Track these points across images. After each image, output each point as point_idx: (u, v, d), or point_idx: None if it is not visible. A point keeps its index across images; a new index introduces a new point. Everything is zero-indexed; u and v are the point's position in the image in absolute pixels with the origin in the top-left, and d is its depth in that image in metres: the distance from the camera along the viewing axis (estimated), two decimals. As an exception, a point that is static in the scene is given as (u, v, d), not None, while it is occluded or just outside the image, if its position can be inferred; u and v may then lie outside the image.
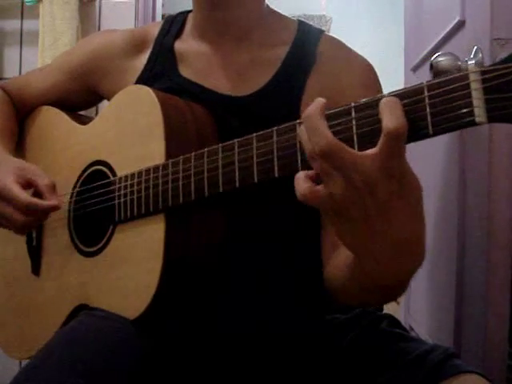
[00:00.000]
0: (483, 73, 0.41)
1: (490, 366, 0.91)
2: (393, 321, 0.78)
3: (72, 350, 0.62)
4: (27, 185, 0.76)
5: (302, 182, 0.48)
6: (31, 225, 0.76)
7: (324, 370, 0.71)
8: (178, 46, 0.84)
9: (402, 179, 0.46)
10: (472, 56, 0.94)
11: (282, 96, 0.76)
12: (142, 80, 0.82)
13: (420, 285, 1.46)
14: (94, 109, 1.30)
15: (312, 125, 0.47)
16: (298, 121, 0.54)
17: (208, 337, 0.73)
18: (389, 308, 0.87)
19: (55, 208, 0.74)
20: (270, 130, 0.57)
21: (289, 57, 0.78)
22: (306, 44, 0.80)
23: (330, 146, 0.45)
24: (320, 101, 0.48)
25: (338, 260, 0.65)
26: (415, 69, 1.57)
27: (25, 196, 0.73)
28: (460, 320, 1.09)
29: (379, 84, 0.80)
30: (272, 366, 0.72)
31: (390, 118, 0.44)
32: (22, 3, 1.64)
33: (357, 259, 0.54)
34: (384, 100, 0.45)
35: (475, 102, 0.42)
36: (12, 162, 0.81)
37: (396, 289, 0.58)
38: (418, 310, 1.55)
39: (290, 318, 0.76)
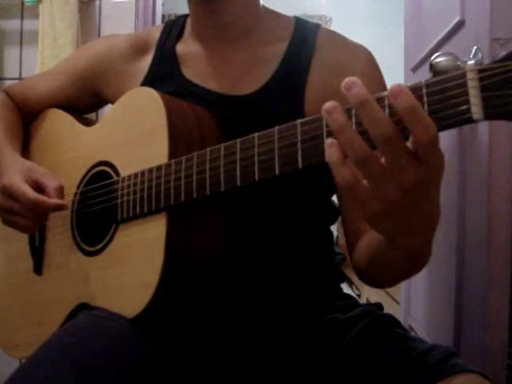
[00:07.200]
0: (480, 71, 0.42)
1: (489, 365, 0.91)
2: (393, 321, 0.78)
3: (69, 350, 0.62)
4: (36, 186, 0.78)
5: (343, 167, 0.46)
6: (37, 221, 0.77)
7: (324, 370, 0.71)
8: (180, 48, 0.85)
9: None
10: (472, 56, 0.94)
11: (285, 90, 0.76)
12: (147, 83, 0.82)
13: (420, 285, 1.46)
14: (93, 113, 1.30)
15: (372, 109, 0.44)
16: (298, 120, 0.55)
17: (209, 336, 0.73)
18: (389, 308, 0.87)
19: (61, 207, 0.75)
20: (271, 129, 0.57)
21: (288, 51, 0.79)
22: (305, 38, 0.80)
23: (393, 129, 0.43)
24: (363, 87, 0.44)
25: (364, 242, 0.68)
26: (415, 69, 1.57)
27: (33, 193, 0.75)
28: (459, 320, 1.09)
29: (379, 71, 0.80)
30: (272, 366, 0.73)
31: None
32: (22, 3, 1.64)
33: (388, 238, 0.54)
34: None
35: (472, 100, 0.42)
36: (21, 163, 0.82)
37: (426, 253, 0.61)
38: (417, 310, 1.55)
39: (293, 314, 0.76)
